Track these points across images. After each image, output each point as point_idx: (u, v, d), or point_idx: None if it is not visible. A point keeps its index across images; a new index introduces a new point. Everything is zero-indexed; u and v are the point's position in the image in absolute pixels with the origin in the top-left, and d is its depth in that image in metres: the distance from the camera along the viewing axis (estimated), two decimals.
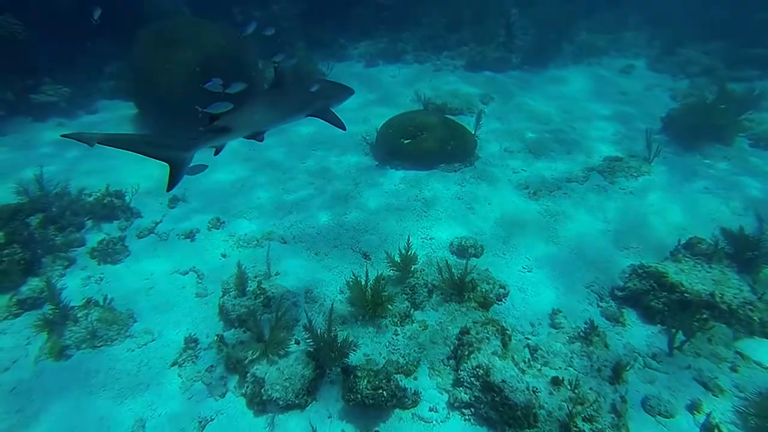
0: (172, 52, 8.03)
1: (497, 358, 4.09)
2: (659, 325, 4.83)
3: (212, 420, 3.97)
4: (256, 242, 5.97)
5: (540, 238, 6.08)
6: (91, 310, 4.73)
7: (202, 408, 4.06)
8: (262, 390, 4.01)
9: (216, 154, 3.86)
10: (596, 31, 13.90)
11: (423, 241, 5.96)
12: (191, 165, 3.71)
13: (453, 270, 5.01)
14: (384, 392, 3.85)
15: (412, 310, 4.93)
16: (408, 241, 5.28)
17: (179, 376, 4.35)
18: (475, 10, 13.29)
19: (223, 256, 5.80)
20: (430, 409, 4.03)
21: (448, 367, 4.35)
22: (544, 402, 3.80)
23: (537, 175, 7.43)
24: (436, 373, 4.32)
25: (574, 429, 3.59)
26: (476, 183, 7.19)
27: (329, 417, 3.96)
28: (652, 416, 3.98)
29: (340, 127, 4.26)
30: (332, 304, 4.65)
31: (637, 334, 4.79)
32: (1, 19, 8.48)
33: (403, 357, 4.42)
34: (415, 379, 4.29)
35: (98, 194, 6.41)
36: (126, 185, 6.66)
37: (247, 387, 4.13)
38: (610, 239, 6.10)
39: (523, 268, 5.62)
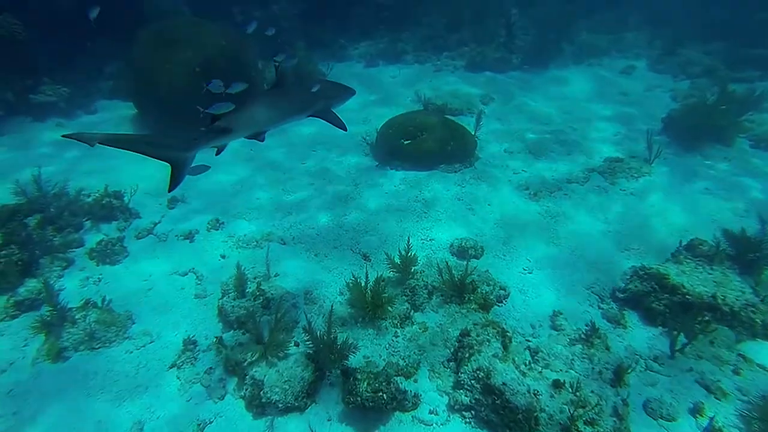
0: (172, 52, 8.00)
1: (498, 361, 4.06)
2: (661, 327, 4.80)
3: (211, 422, 3.94)
4: (255, 243, 5.94)
5: (540, 240, 6.05)
6: (90, 311, 4.70)
7: (200, 410, 4.03)
8: (261, 392, 3.98)
9: (218, 154, 3.86)
10: (597, 31, 13.88)
11: (423, 242, 5.93)
12: (193, 165, 3.70)
13: (453, 271, 4.99)
14: (384, 395, 3.83)
15: (412, 311, 4.90)
16: (408, 242, 5.25)
17: (178, 378, 4.32)
18: (476, 10, 13.28)
19: (223, 257, 5.77)
20: (430, 412, 4.00)
21: (449, 370, 4.32)
22: (546, 405, 3.77)
23: (537, 176, 7.41)
24: (437, 375, 4.30)
25: None
26: (476, 184, 7.17)
27: (329, 420, 3.94)
28: (654, 419, 3.95)
29: (341, 128, 4.25)
30: (332, 306, 4.63)
31: (639, 336, 4.76)
32: (0, 19, 8.46)
33: (403, 359, 4.40)
34: (416, 381, 4.26)
35: (97, 195, 6.38)
36: (125, 186, 6.64)
37: (246, 389, 4.10)
38: (610, 240, 6.08)
39: (524, 269, 5.60)
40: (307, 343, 4.29)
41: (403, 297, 5.01)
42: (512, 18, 12.69)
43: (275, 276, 5.40)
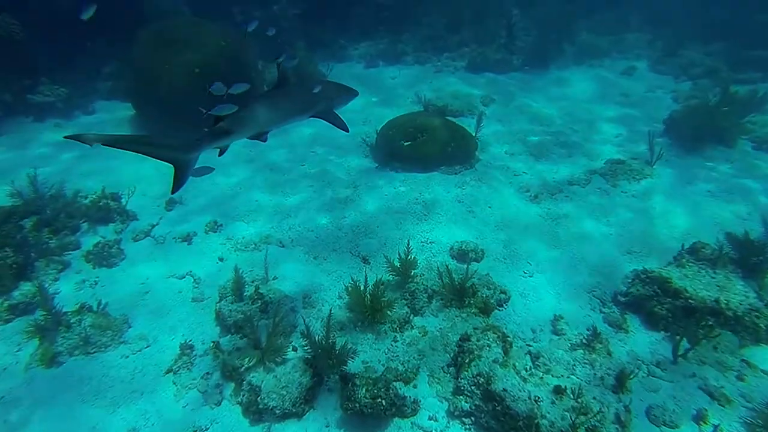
0: (171, 53, 7.95)
1: (498, 366, 4.00)
2: (663, 332, 4.74)
3: (207, 429, 3.88)
4: (254, 246, 5.88)
5: (541, 242, 5.99)
6: (85, 315, 4.64)
7: (196, 417, 3.98)
8: (259, 398, 3.92)
9: (220, 154, 3.84)
10: (597, 32, 13.83)
11: (423, 245, 5.88)
12: (196, 167, 3.68)
13: (453, 275, 4.93)
14: (383, 401, 3.77)
15: (412, 315, 4.85)
16: (408, 245, 5.20)
17: (174, 383, 4.26)
18: (476, 10, 13.23)
19: (221, 259, 5.71)
20: (430, 418, 3.94)
21: (448, 375, 4.26)
22: (547, 412, 3.72)
23: (538, 178, 7.35)
24: (436, 380, 4.24)
25: None
26: (477, 186, 7.11)
27: (327, 426, 3.88)
28: (657, 426, 3.89)
29: (343, 129, 4.21)
30: (330, 310, 4.57)
31: (641, 340, 4.70)
32: None
33: (402, 364, 4.34)
34: (415, 386, 4.20)
35: (94, 196, 6.32)
36: (123, 187, 6.59)
37: (243, 395, 4.04)
38: (612, 243, 6.02)
39: (525, 272, 5.54)
40: (306, 347, 4.24)
41: (403, 301, 4.95)
42: (513, 19, 12.65)
43: (273, 279, 5.34)
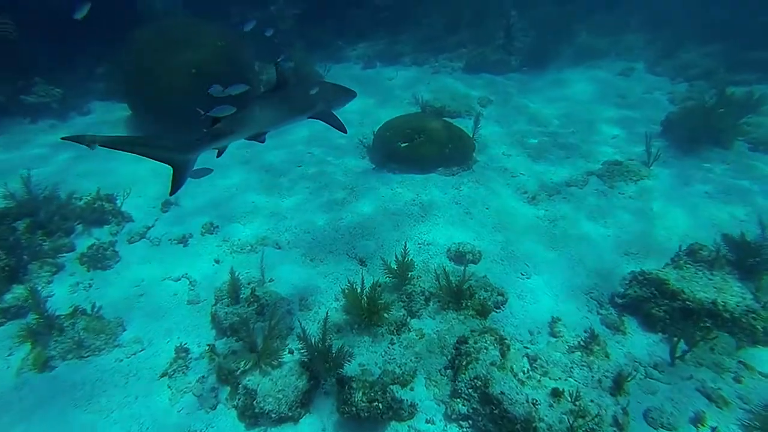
0: (168, 53, 7.91)
1: (495, 369, 3.99)
2: (660, 334, 4.74)
3: None
4: (250, 247, 5.85)
5: (539, 244, 5.98)
6: (78, 318, 4.59)
7: (192, 421, 3.94)
8: (255, 402, 3.89)
9: (219, 155, 3.83)
10: (595, 33, 13.83)
11: (420, 247, 5.85)
12: (195, 168, 3.66)
13: (450, 277, 4.91)
14: (380, 404, 3.75)
15: (409, 318, 4.82)
16: (405, 247, 5.17)
17: (169, 387, 4.22)
18: (474, 11, 13.23)
19: (217, 261, 5.68)
20: (427, 422, 3.92)
21: (446, 378, 4.24)
22: (544, 415, 3.69)
23: (535, 180, 7.34)
24: (433, 383, 4.22)
25: None
26: (474, 187, 7.09)
27: (323, 430, 3.85)
28: (655, 429, 3.87)
29: (341, 130, 4.20)
30: (327, 313, 4.54)
31: (638, 342, 4.69)
32: None
33: (399, 367, 4.31)
34: (412, 389, 4.18)
35: (88, 198, 6.27)
36: (119, 188, 6.54)
37: (239, 399, 4.00)
38: (609, 245, 6.01)
39: (522, 274, 5.53)
40: (302, 350, 4.20)
41: (400, 303, 4.93)
42: (511, 19, 12.64)
43: (270, 281, 5.31)
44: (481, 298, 4.94)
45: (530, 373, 4.23)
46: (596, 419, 3.63)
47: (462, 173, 7.42)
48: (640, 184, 7.23)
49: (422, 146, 7.38)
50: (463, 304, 4.86)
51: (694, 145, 8.11)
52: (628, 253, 5.85)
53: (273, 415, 3.83)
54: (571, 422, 3.55)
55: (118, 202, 6.39)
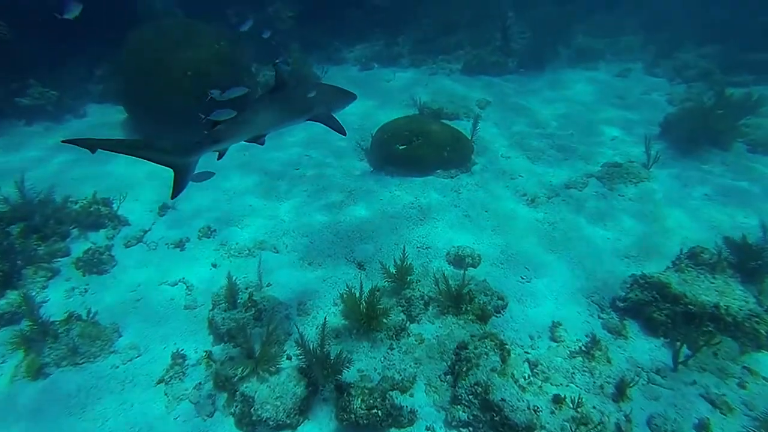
0: (164, 55, 7.85)
1: (496, 375, 3.94)
2: (662, 338, 4.69)
3: None
4: (247, 251, 5.79)
5: (538, 247, 5.94)
6: (73, 324, 4.52)
7: (188, 428, 3.87)
8: (252, 409, 3.83)
9: (219, 158, 3.80)
10: (593, 34, 13.84)
11: (419, 251, 5.80)
12: (197, 172, 3.63)
13: (450, 281, 4.86)
14: (379, 411, 3.70)
15: (408, 323, 4.77)
16: (403, 250, 5.12)
17: (165, 394, 4.15)
18: (472, 13, 13.21)
19: (214, 266, 5.61)
20: (427, 429, 3.87)
21: (446, 383, 4.19)
22: (546, 422, 3.65)
23: (535, 182, 7.30)
24: (433, 389, 4.16)
25: None
26: (473, 190, 7.05)
27: None
28: None
29: (340, 132, 4.17)
30: (325, 318, 4.48)
31: (640, 347, 4.64)
32: None
33: (398, 372, 4.26)
34: (411, 395, 4.13)
35: (84, 201, 6.20)
36: (115, 192, 6.47)
37: (236, 406, 3.94)
38: (609, 247, 5.97)
39: (522, 278, 5.48)
40: (300, 356, 4.14)
41: (399, 308, 4.87)
42: (508, 21, 12.62)
43: (267, 286, 5.25)
44: (481, 302, 4.89)
45: (531, 379, 4.18)
46: (599, 427, 3.58)
47: (461, 176, 7.37)
48: (640, 186, 7.20)
49: (420, 149, 7.34)
50: (463, 309, 4.81)
51: (693, 147, 8.09)
52: (629, 256, 5.81)
53: (271, 423, 3.78)
54: (573, 430, 3.52)
55: (114, 205, 6.32)
